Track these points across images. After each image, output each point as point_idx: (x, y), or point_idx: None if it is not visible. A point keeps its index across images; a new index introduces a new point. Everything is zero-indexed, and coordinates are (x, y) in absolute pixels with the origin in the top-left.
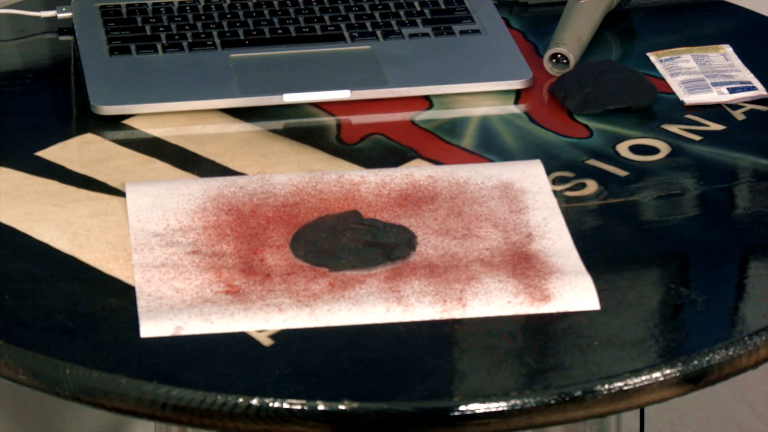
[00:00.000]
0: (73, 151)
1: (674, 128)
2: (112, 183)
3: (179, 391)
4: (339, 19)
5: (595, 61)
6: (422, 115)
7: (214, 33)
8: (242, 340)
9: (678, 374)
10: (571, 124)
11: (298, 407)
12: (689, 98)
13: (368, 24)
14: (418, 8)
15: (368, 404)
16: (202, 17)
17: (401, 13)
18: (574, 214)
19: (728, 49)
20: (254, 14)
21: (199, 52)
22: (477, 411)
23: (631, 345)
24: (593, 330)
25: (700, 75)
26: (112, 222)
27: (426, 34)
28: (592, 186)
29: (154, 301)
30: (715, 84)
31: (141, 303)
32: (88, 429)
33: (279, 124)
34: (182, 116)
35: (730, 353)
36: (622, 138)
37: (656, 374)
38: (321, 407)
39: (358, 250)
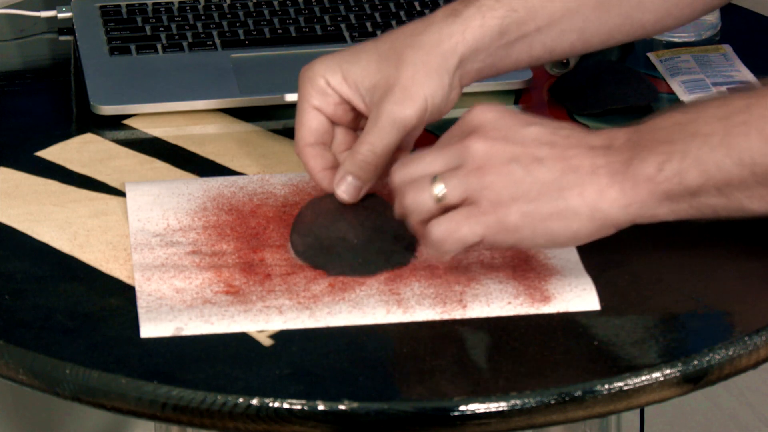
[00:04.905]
0: (73, 151)
1: None
2: (112, 183)
3: (179, 391)
4: (339, 19)
5: (595, 61)
6: None
7: (214, 33)
8: (242, 340)
9: (678, 374)
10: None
11: (298, 407)
12: (689, 98)
13: (368, 24)
14: (418, 8)
15: (368, 404)
16: (202, 17)
17: (401, 13)
18: None
19: (728, 49)
20: (254, 14)
21: (199, 52)
22: (477, 411)
23: (631, 345)
24: (593, 330)
25: (700, 75)
26: (112, 222)
27: None
28: None
29: (154, 302)
30: (715, 84)
31: (141, 303)
32: (88, 429)
33: (279, 124)
34: (182, 116)
35: (730, 353)
36: None
37: (656, 374)
38: (321, 407)
39: (358, 255)
